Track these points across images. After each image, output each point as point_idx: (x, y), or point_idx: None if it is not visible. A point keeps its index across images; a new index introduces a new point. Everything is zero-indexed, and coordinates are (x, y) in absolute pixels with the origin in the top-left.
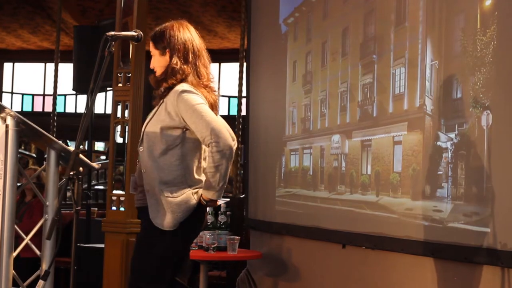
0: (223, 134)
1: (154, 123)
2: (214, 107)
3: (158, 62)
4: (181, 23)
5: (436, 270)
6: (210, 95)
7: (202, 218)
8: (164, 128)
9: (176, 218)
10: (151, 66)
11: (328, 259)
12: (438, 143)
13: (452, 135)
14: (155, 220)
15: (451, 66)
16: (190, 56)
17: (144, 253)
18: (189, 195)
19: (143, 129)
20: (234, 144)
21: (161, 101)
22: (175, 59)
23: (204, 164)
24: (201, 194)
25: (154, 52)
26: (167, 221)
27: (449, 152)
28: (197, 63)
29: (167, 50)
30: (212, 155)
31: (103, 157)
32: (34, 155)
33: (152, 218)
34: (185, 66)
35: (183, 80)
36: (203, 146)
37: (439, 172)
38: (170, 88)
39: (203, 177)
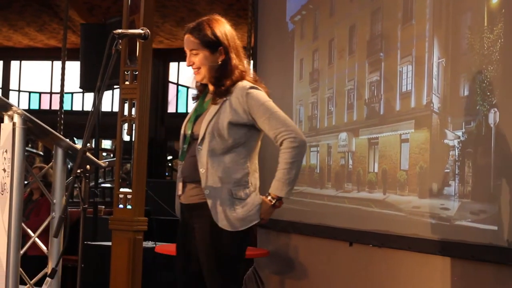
0: (298, 130)
1: (219, 121)
2: None
3: (207, 61)
4: (219, 18)
5: (444, 268)
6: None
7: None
8: (232, 125)
9: (246, 218)
10: (192, 64)
11: (335, 257)
12: (445, 141)
13: (459, 133)
14: (221, 222)
15: (458, 64)
16: (241, 54)
17: (216, 255)
18: (256, 196)
19: (203, 128)
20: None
21: (218, 99)
22: (233, 58)
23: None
24: (269, 193)
25: (201, 50)
26: (233, 222)
27: (456, 150)
28: (244, 61)
29: (220, 48)
30: (288, 150)
31: (104, 154)
32: (41, 153)
33: (217, 220)
34: (240, 65)
35: (243, 76)
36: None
37: (446, 170)
38: (232, 85)
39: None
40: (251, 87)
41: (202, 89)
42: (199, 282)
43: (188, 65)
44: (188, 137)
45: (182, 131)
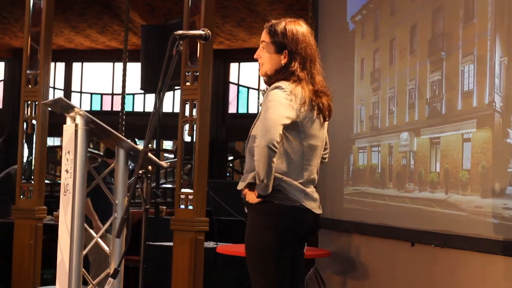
0: (268, 133)
1: (257, 123)
2: (323, 110)
3: (270, 59)
4: (300, 23)
5: (506, 268)
6: (321, 99)
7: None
8: None
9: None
10: (259, 57)
11: (396, 257)
12: (508, 140)
13: None
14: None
15: None
16: (308, 63)
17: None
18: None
19: (250, 130)
20: (270, 146)
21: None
22: (295, 64)
23: (312, 164)
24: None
25: (269, 47)
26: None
27: None
28: (313, 71)
29: (285, 51)
30: (254, 149)
31: (165, 155)
32: (102, 153)
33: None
34: (301, 73)
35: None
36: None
37: (508, 170)
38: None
39: (309, 182)
40: (276, 87)
41: None
42: None
43: (255, 57)
44: None
45: None
